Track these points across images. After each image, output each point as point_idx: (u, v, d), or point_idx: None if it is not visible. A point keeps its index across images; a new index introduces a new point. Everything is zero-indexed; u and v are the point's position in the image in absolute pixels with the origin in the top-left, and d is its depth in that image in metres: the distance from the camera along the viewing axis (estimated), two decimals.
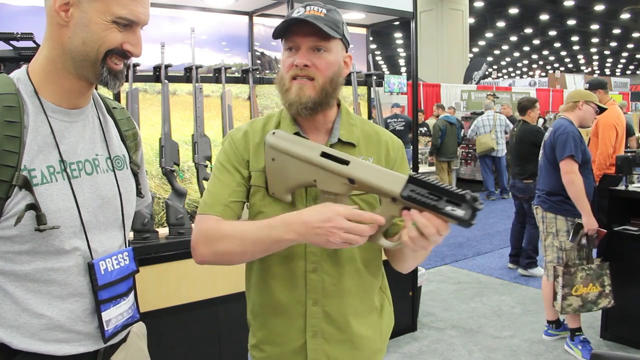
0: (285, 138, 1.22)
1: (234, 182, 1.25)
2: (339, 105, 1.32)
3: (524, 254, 4.97)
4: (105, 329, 1.12)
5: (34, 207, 1.00)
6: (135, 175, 1.27)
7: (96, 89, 1.21)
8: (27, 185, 1.00)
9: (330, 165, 1.14)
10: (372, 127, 1.36)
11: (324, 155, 1.16)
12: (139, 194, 1.29)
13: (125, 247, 1.22)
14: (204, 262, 1.22)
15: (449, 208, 0.99)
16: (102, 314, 1.11)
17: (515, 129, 5.16)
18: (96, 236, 1.12)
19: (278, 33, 1.21)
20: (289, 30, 1.21)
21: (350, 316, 1.27)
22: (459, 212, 0.97)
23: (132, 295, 1.22)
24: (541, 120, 9.57)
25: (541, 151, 3.45)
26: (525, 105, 5.11)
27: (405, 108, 9.46)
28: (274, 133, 1.23)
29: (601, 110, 3.47)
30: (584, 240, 3.17)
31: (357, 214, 1.04)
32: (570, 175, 3.14)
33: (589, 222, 3.12)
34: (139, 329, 1.32)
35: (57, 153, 1.06)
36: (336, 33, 1.21)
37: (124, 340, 1.23)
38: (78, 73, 1.07)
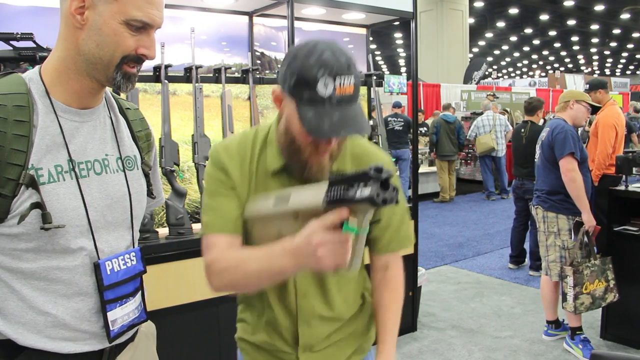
0: (253, 204, 1.17)
1: (234, 195, 1.19)
2: None
3: (532, 255, 4.89)
4: (111, 328, 1.12)
5: (39, 205, 1.01)
6: (147, 175, 1.27)
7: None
8: (33, 184, 1.01)
9: (279, 210, 1.07)
10: (362, 148, 1.27)
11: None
12: (150, 194, 1.29)
13: (133, 247, 1.21)
14: (220, 291, 1.19)
15: (358, 193, 0.87)
16: (108, 313, 1.11)
17: (523, 130, 5.09)
18: (103, 236, 1.12)
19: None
20: None
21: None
22: (365, 191, 0.86)
23: (139, 295, 1.22)
24: (541, 121, 9.54)
25: (538, 151, 3.45)
26: (535, 105, 5.05)
27: (405, 108, 9.45)
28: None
29: (594, 109, 3.47)
30: (585, 238, 3.18)
31: (327, 219, 0.94)
32: (572, 173, 3.15)
33: (589, 220, 3.15)
34: (148, 329, 1.31)
35: (66, 152, 1.07)
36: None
37: (131, 339, 1.23)
38: (90, 75, 1.07)
